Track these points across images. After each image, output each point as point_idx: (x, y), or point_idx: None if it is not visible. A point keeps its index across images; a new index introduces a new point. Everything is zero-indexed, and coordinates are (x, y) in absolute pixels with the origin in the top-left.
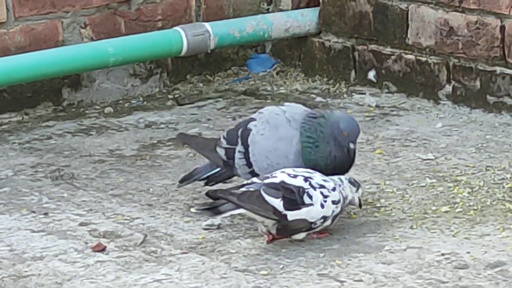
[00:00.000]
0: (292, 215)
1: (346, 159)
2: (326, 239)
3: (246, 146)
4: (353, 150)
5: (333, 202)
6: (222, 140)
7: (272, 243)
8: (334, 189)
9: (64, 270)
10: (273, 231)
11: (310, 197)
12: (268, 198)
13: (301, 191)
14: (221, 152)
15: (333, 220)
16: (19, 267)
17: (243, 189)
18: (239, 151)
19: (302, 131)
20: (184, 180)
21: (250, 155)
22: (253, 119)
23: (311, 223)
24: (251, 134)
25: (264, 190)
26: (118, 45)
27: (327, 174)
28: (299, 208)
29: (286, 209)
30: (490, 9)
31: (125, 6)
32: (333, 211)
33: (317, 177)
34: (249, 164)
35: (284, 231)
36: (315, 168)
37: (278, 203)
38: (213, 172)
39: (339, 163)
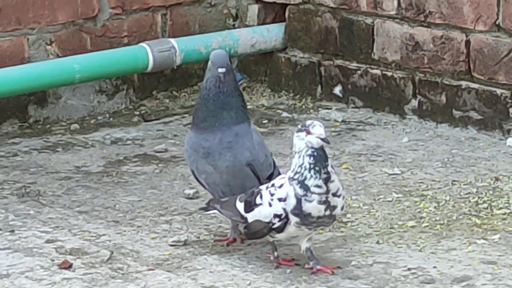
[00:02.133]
0: (250, 217)
1: (216, 87)
2: (293, 255)
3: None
4: (222, 73)
5: (279, 200)
6: None
7: (240, 259)
8: (281, 186)
9: (30, 287)
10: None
11: (261, 197)
12: (237, 203)
13: (255, 192)
14: None
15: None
16: None
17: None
18: None
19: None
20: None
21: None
22: None
23: (268, 222)
24: None
25: (240, 196)
26: (84, 61)
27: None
28: (252, 210)
29: (246, 211)
30: (456, 24)
31: (91, 22)
32: (284, 209)
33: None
34: None
35: (249, 234)
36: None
37: (241, 207)
38: None
39: (216, 92)
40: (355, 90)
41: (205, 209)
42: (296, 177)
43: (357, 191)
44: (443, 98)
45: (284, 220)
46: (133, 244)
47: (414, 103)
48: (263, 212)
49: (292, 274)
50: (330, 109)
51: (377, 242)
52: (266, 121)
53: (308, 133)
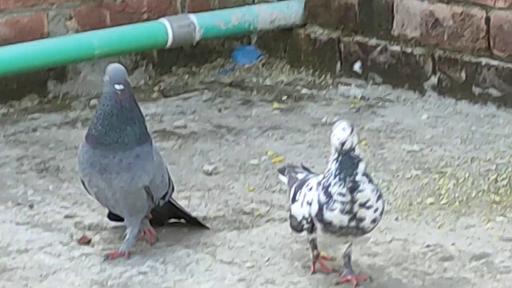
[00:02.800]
0: (292, 209)
1: (117, 103)
2: None
3: None
4: (120, 90)
5: (307, 203)
6: None
7: (258, 236)
8: (311, 189)
9: (49, 262)
10: None
11: (300, 194)
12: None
13: (300, 186)
14: None
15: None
16: (4, 260)
17: None
18: None
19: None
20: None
21: None
22: None
23: (299, 222)
24: None
25: (300, 182)
26: (103, 37)
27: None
28: (293, 203)
29: (292, 202)
30: (476, 1)
31: None
32: (309, 213)
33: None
34: None
35: (290, 226)
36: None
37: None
38: None
39: (118, 108)
40: (375, 66)
41: (281, 172)
42: (323, 181)
43: (376, 168)
44: (463, 75)
45: (311, 224)
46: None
47: (434, 79)
48: (296, 210)
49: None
50: (350, 85)
51: (396, 219)
52: (285, 97)
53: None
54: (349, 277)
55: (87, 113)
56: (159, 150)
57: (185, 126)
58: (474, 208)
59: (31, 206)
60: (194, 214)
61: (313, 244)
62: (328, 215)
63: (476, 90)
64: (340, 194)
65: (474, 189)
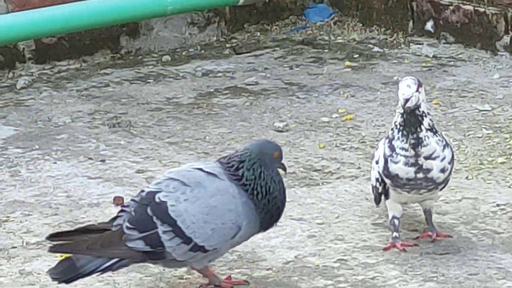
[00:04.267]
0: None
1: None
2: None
3: (171, 223)
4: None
5: (376, 162)
6: (130, 232)
7: (328, 193)
8: (378, 148)
9: None
10: None
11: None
12: None
13: None
14: (136, 244)
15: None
16: (76, 213)
17: None
18: (165, 232)
19: (236, 181)
20: (68, 279)
21: (184, 229)
22: (155, 192)
23: (374, 187)
24: (169, 207)
25: None
26: None
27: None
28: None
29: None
30: None
31: None
32: (378, 172)
33: None
34: (186, 241)
35: (374, 198)
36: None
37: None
38: (109, 266)
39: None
40: (447, 25)
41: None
42: (389, 134)
43: (447, 127)
44: None
45: (383, 183)
46: None
47: (506, 39)
48: (372, 177)
49: (380, 208)
50: (422, 44)
51: (466, 178)
52: (357, 56)
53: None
54: (430, 233)
55: (159, 69)
56: (231, 106)
57: (256, 83)
58: None
59: (102, 161)
60: None
61: (394, 226)
62: (393, 167)
63: None
64: (402, 149)
65: None
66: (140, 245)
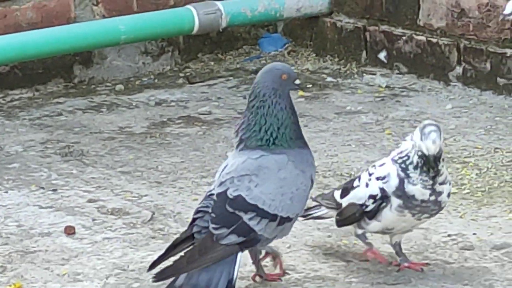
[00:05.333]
0: (344, 202)
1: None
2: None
3: (253, 209)
4: (300, 84)
5: (377, 178)
6: (218, 231)
7: None
8: (381, 165)
9: (71, 246)
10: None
11: (359, 179)
12: (335, 192)
13: (355, 177)
14: (230, 239)
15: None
16: (27, 242)
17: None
18: (251, 218)
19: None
20: None
21: (267, 209)
22: (224, 191)
23: (361, 205)
24: (245, 197)
25: (339, 186)
26: (130, 22)
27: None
28: (348, 193)
29: (341, 197)
30: None
31: None
32: (381, 188)
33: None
34: (272, 218)
35: (341, 220)
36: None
37: (338, 194)
38: (235, 268)
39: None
40: (400, 56)
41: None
42: (399, 162)
43: None
44: (488, 65)
45: (379, 201)
46: (175, 205)
47: (459, 70)
48: (358, 194)
49: (332, 238)
50: (375, 74)
51: None
52: (310, 86)
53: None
54: (406, 264)
55: (112, 98)
56: (184, 135)
57: (209, 113)
58: (496, 198)
59: (54, 190)
60: None
61: (364, 237)
62: (410, 188)
63: (501, 81)
64: (421, 180)
65: (496, 180)
66: (233, 238)
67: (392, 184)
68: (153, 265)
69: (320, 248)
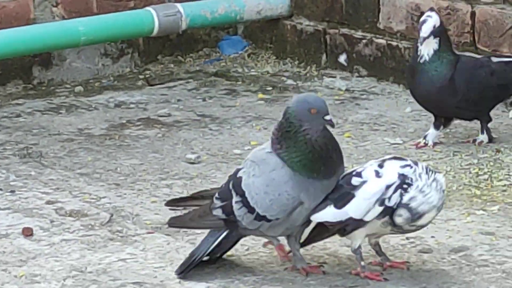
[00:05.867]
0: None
1: (329, 134)
2: None
3: (242, 194)
4: (330, 120)
5: (387, 186)
6: (216, 201)
7: None
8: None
9: (29, 248)
10: None
11: None
12: None
13: None
14: (218, 212)
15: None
16: None
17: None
18: (236, 202)
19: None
20: (183, 270)
21: (249, 199)
22: (239, 169)
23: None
24: (243, 181)
25: None
26: (89, 24)
27: (328, 166)
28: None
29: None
30: None
31: None
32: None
33: None
34: (251, 210)
35: None
36: (311, 169)
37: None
38: (215, 244)
39: (324, 144)
40: (360, 59)
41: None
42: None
43: (359, 160)
44: None
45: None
46: (133, 207)
47: None
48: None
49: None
50: (335, 77)
51: None
52: (270, 88)
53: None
54: (388, 263)
55: (71, 99)
56: (143, 137)
57: (169, 115)
58: (454, 201)
59: (12, 191)
60: None
61: (360, 253)
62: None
63: None
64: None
65: (455, 183)
66: (219, 213)
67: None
68: (171, 202)
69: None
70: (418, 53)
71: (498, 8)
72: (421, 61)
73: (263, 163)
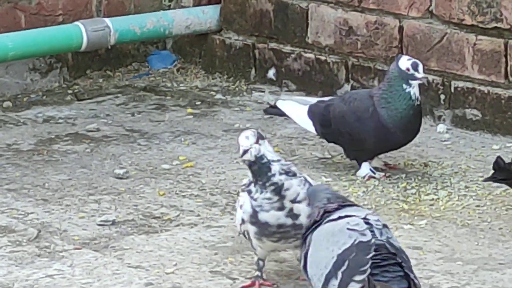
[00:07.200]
0: None
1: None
2: (221, 236)
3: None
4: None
5: (240, 207)
6: None
7: (167, 240)
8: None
9: None
10: None
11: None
12: None
13: None
14: None
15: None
16: None
17: None
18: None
19: None
20: None
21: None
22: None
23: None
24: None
25: None
26: (18, 39)
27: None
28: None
29: None
30: (389, 10)
31: (25, 0)
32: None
33: None
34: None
35: None
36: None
37: None
38: None
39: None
40: (289, 73)
41: None
42: (246, 189)
43: None
44: (376, 83)
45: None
46: (61, 223)
47: (347, 87)
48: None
49: (219, 256)
50: (264, 92)
51: None
52: (199, 103)
53: None
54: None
55: (0, 115)
56: (72, 152)
57: (97, 130)
58: (382, 215)
59: None
60: (103, 218)
61: (258, 264)
62: (263, 215)
63: None
64: (266, 199)
65: (383, 197)
66: None
67: (247, 211)
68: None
69: (207, 265)
70: (412, 96)
71: (425, 23)
72: (418, 103)
73: None
